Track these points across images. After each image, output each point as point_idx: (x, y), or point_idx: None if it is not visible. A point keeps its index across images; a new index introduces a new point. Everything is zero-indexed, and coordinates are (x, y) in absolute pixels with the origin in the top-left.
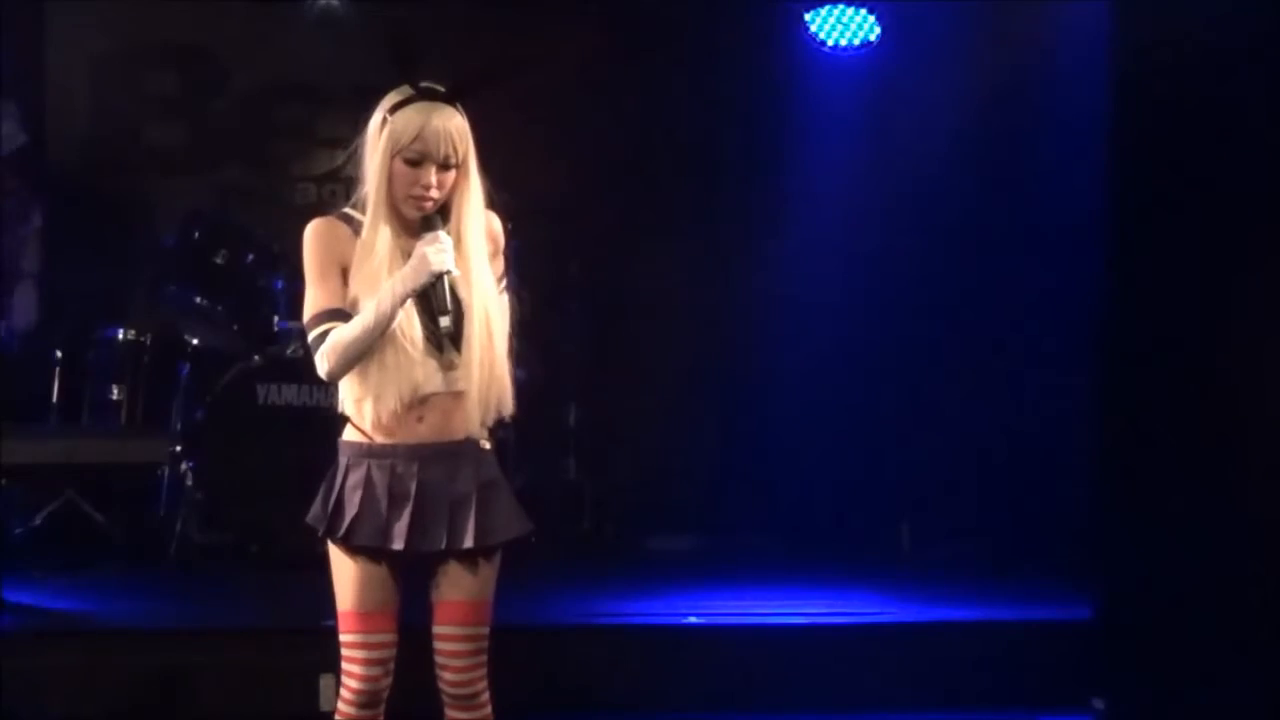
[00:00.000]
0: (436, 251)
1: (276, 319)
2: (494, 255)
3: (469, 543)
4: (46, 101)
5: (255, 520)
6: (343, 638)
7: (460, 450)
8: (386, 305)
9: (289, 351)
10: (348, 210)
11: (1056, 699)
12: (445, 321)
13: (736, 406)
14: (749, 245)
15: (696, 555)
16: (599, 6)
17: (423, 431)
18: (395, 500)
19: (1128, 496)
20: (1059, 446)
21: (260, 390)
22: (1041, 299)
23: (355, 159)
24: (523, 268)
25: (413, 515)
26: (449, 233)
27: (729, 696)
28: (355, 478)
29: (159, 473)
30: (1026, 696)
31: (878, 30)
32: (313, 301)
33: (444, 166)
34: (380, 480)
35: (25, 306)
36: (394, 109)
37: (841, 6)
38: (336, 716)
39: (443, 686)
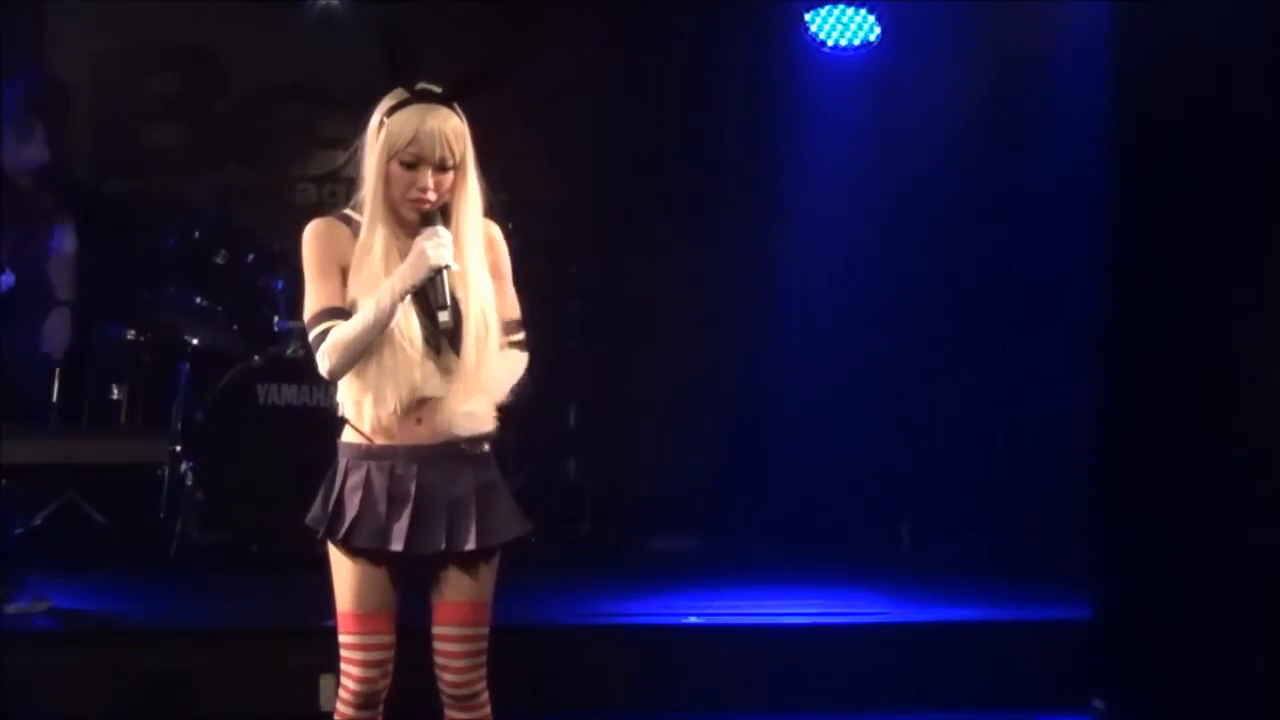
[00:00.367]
0: (435, 246)
1: (276, 319)
2: (494, 269)
3: (470, 544)
4: None
5: (255, 520)
6: (341, 638)
7: (457, 452)
8: (386, 302)
9: (289, 351)
10: (347, 211)
11: (1056, 699)
12: (444, 317)
13: (736, 407)
14: (749, 245)
15: (696, 555)
16: (599, 6)
17: (421, 433)
18: (395, 502)
19: (1128, 496)
20: (1059, 446)
21: (260, 390)
22: (1041, 299)
23: (355, 160)
24: (523, 268)
25: (412, 517)
26: (459, 235)
27: (729, 696)
28: (355, 479)
29: (159, 473)
30: (1026, 696)
31: (878, 30)
32: (313, 300)
33: (441, 168)
34: (379, 482)
35: (58, 334)
36: (390, 112)
37: (841, 6)
38: (335, 717)
39: (442, 687)
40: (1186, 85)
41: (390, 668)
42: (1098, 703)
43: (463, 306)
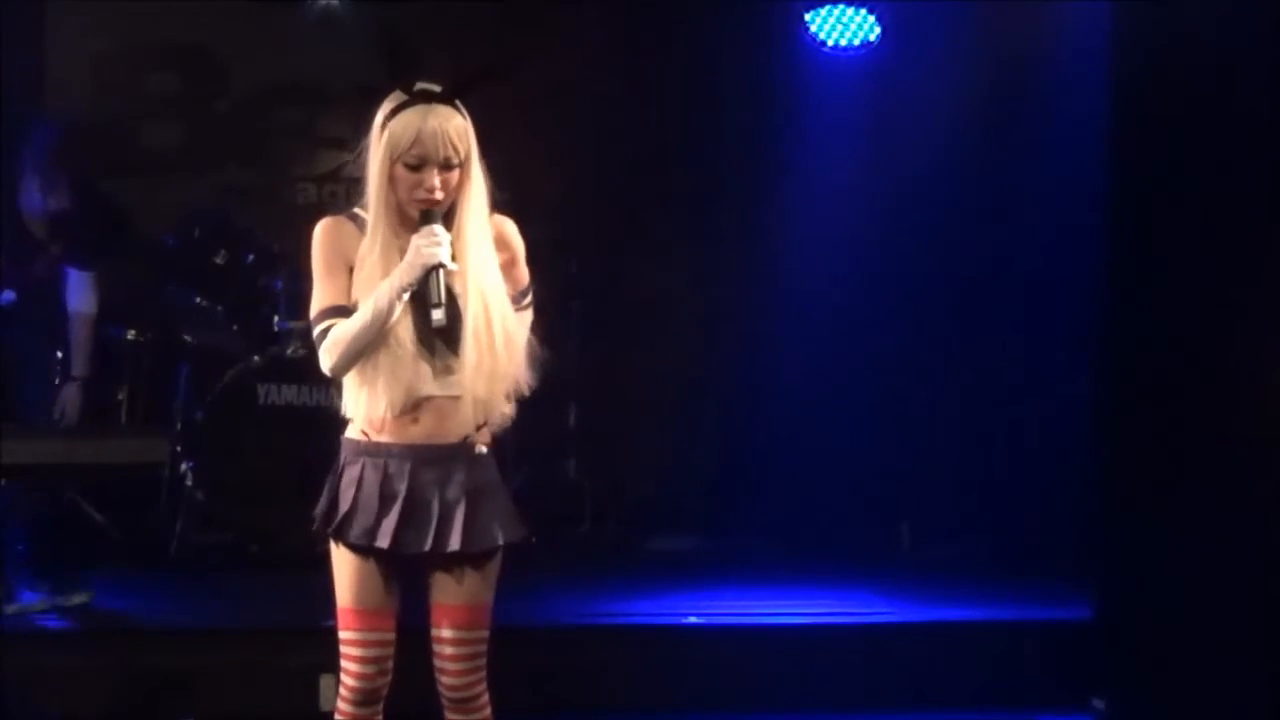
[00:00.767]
0: (429, 244)
1: (276, 319)
2: (511, 264)
3: (454, 546)
4: (46, 102)
5: (255, 520)
6: (341, 634)
7: (454, 453)
8: (384, 301)
9: (289, 351)
10: (356, 210)
11: (1056, 699)
12: (437, 315)
13: (736, 406)
14: (749, 245)
15: (696, 555)
16: (599, 6)
17: (416, 433)
18: (385, 499)
19: (1128, 496)
20: (1059, 446)
21: (260, 390)
22: (1041, 299)
23: (360, 162)
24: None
25: (401, 515)
26: (450, 232)
27: (729, 696)
28: (350, 475)
29: (159, 473)
30: (1026, 696)
31: (878, 30)
32: (318, 299)
33: (445, 167)
34: (373, 478)
35: (71, 406)
36: (391, 114)
37: (841, 6)
38: (336, 715)
39: (441, 689)
40: (1186, 85)
41: (390, 665)
42: (1098, 703)
43: (461, 304)
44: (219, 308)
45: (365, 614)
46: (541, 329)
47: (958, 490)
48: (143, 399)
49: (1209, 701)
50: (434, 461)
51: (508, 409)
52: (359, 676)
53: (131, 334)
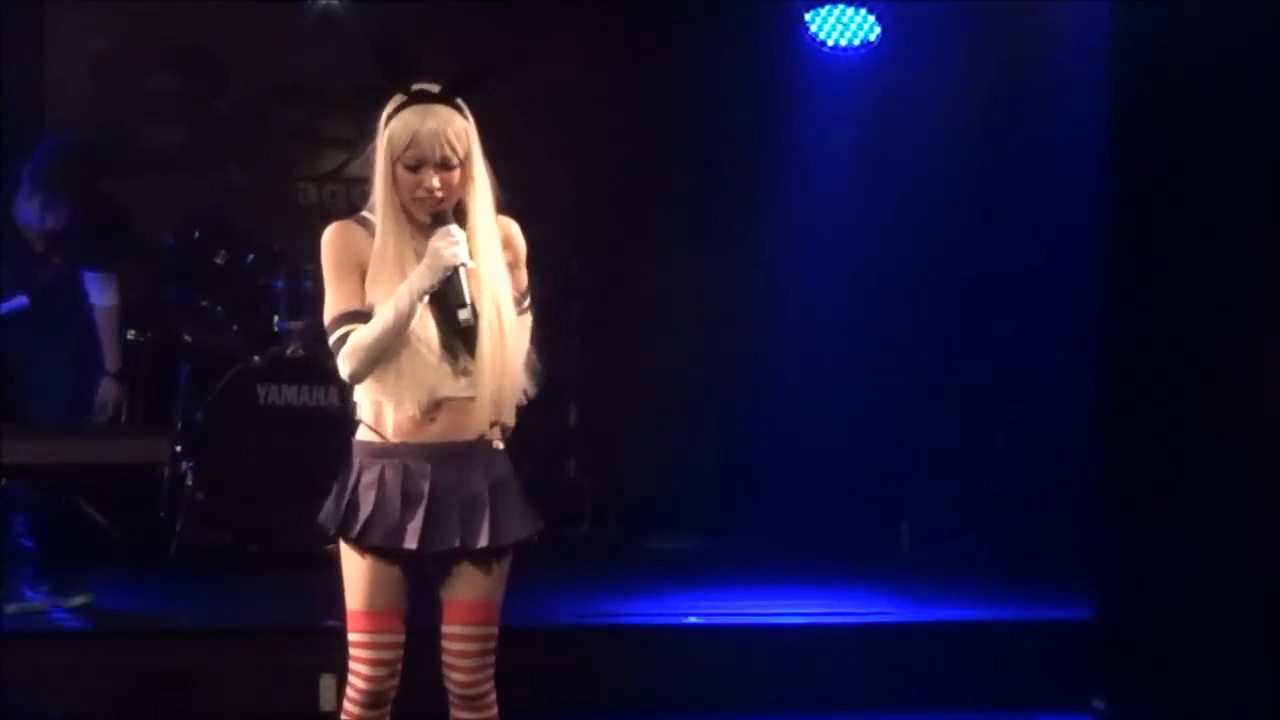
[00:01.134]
0: (448, 245)
1: (276, 319)
2: (514, 266)
3: (484, 542)
4: (46, 101)
5: (255, 520)
6: (351, 637)
7: (473, 450)
8: (405, 304)
9: (289, 351)
10: (364, 214)
11: (1056, 699)
12: (464, 314)
13: (736, 406)
14: (749, 245)
15: (696, 555)
16: (599, 6)
17: (435, 431)
18: (409, 500)
19: (1128, 496)
20: (1059, 446)
21: (260, 390)
22: (1041, 299)
23: (368, 162)
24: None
25: (426, 515)
26: (470, 234)
27: (729, 696)
28: (369, 478)
29: (159, 473)
30: (1026, 696)
31: (878, 30)
32: (332, 304)
33: (443, 167)
34: (394, 480)
35: (109, 403)
36: (391, 115)
37: (841, 6)
38: (343, 716)
39: (450, 686)
40: (1186, 85)
41: (399, 667)
42: (1098, 703)
43: (479, 305)
44: (219, 308)
45: (377, 616)
46: (541, 329)
47: (958, 490)
48: (143, 399)
49: (1209, 701)
50: (453, 459)
51: (512, 417)
52: (369, 679)
53: (131, 334)
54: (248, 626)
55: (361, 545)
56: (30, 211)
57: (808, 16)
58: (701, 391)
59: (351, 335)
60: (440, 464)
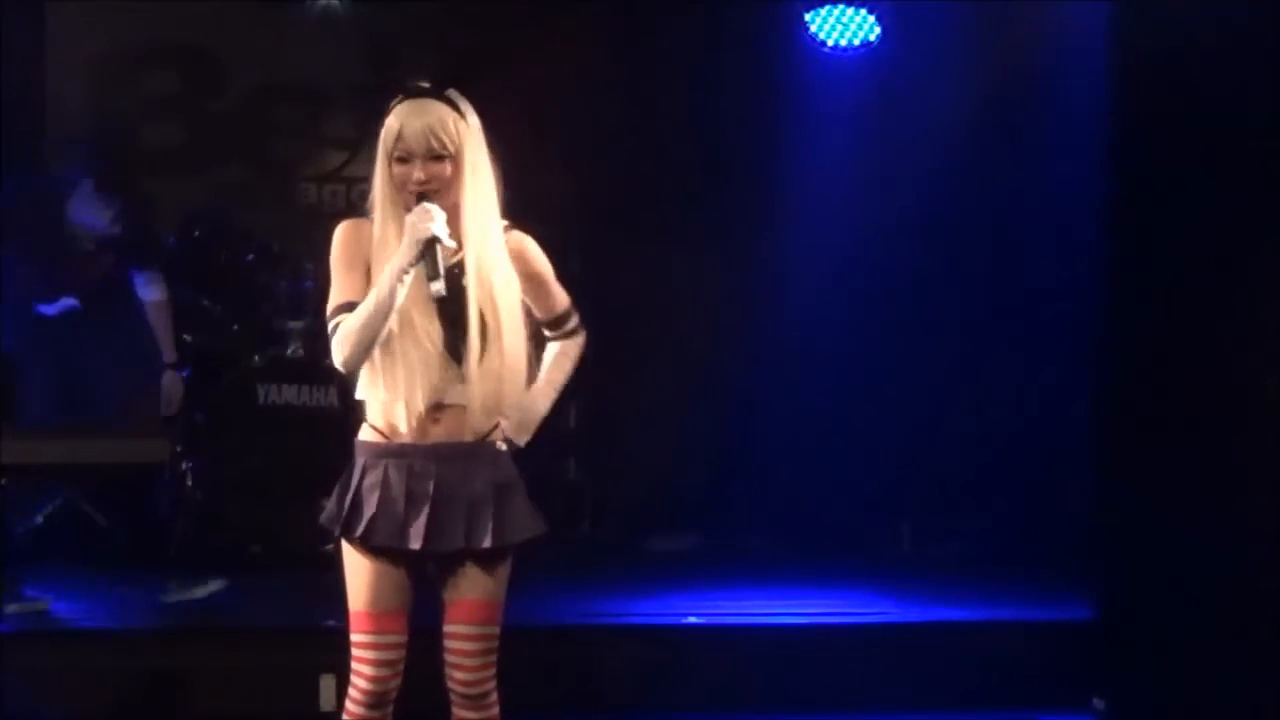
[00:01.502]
0: (423, 219)
1: (276, 319)
2: (538, 284)
3: (487, 542)
4: (46, 101)
5: (255, 520)
6: (353, 637)
7: (476, 450)
8: (385, 285)
9: (289, 351)
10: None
11: (1056, 699)
12: (436, 286)
13: (737, 407)
14: (749, 244)
15: (696, 555)
16: (599, 6)
17: (438, 432)
18: (413, 500)
19: (1128, 496)
20: (1059, 446)
21: (260, 390)
22: (1042, 298)
23: (371, 161)
24: None
25: (430, 515)
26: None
27: (729, 696)
28: (372, 478)
29: (159, 473)
30: (1026, 696)
31: (878, 30)
32: (332, 298)
33: (432, 159)
34: (397, 480)
35: (175, 395)
36: (389, 112)
37: (841, 6)
38: (345, 716)
39: (452, 686)
40: (1186, 85)
41: (401, 667)
42: (1098, 703)
43: (464, 315)
44: (219, 308)
45: (380, 617)
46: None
47: (958, 490)
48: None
49: (1209, 701)
50: (456, 460)
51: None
52: (372, 679)
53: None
54: (248, 626)
55: (365, 546)
56: (88, 212)
57: (808, 16)
58: (701, 391)
59: (341, 323)
60: (444, 464)
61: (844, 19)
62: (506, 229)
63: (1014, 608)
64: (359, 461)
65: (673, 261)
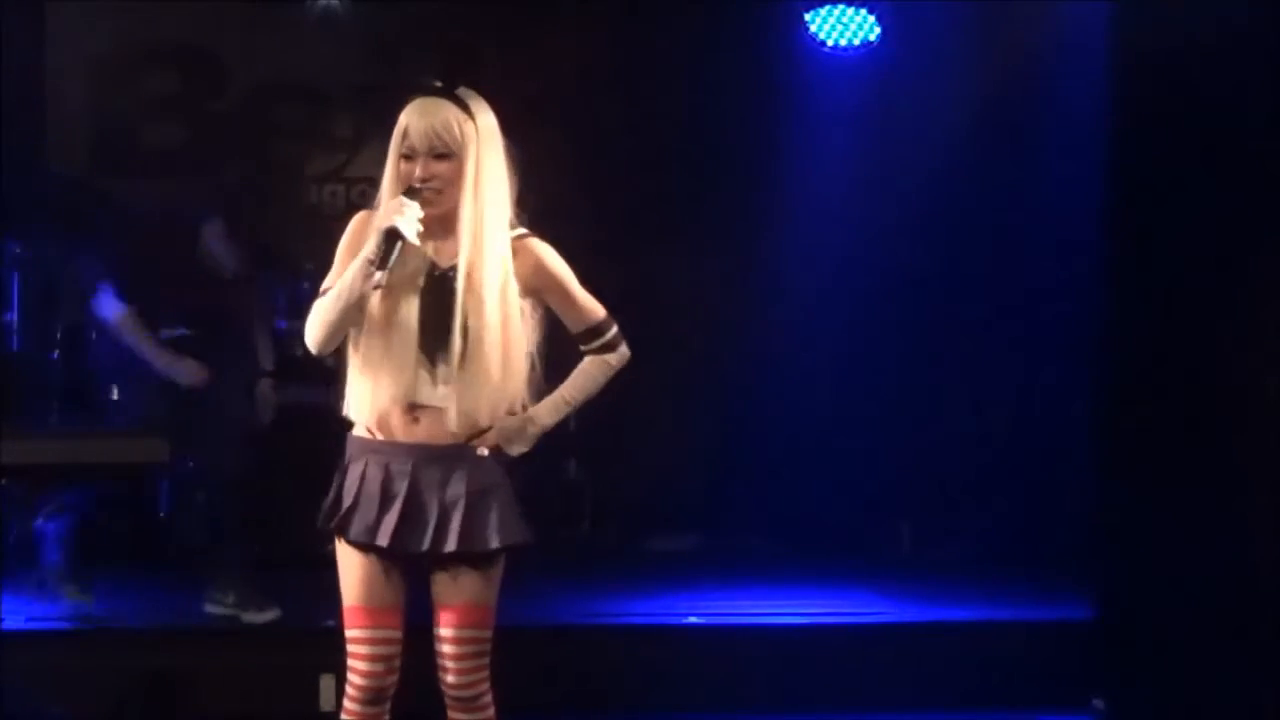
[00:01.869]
0: (393, 210)
1: (277, 319)
2: (560, 295)
3: (451, 547)
4: (46, 101)
5: (256, 520)
6: (347, 633)
7: (455, 454)
8: (349, 274)
9: (289, 351)
10: None
11: (1056, 699)
12: (378, 277)
13: (736, 406)
14: (749, 244)
15: (696, 555)
16: (599, 6)
17: (418, 433)
18: (386, 498)
19: (1128, 496)
20: (1059, 446)
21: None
22: (1042, 299)
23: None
24: None
25: (401, 514)
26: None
27: (729, 696)
28: (354, 472)
29: (159, 473)
30: (1026, 696)
31: (878, 30)
32: (324, 282)
33: (436, 157)
34: (375, 476)
35: (269, 404)
36: (403, 111)
37: (841, 6)
38: (343, 715)
39: (444, 688)
40: (1186, 85)
41: (397, 664)
42: (1098, 703)
43: (457, 313)
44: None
45: (372, 612)
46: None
47: (958, 490)
48: (143, 399)
49: (1209, 701)
50: (435, 461)
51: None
52: (367, 675)
53: None
54: (248, 626)
55: (347, 540)
56: (220, 250)
57: (808, 16)
58: (701, 391)
59: (314, 304)
60: (421, 465)
61: (844, 19)
62: (520, 237)
63: (1014, 608)
64: (346, 456)
65: (672, 261)
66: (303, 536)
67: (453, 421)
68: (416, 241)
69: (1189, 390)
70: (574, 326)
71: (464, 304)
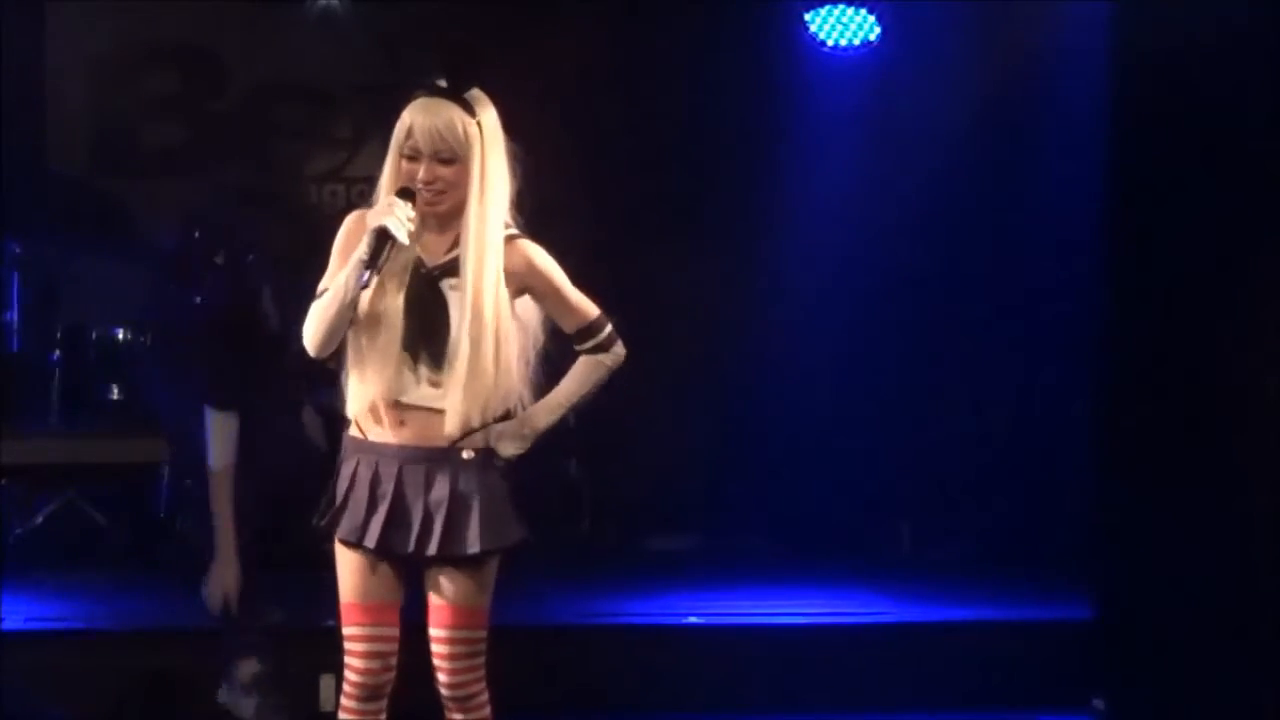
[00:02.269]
0: (384, 211)
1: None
2: (552, 297)
3: (432, 550)
4: (46, 101)
5: (256, 520)
6: (344, 630)
7: (442, 457)
8: (343, 274)
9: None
10: None
11: (1056, 699)
12: (365, 275)
13: (736, 406)
14: (749, 244)
15: (696, 555)
16: (599, 6)
17: (405, 434)
18: (374, 498)
19: (1128, 496)
20: (1059, 446)
21: None
22: (1041, 298)
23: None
24: None
25: (387, 516)
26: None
27: (729, 696)
28: (346, 471)
29: (159, 473)
30: (1026, 696)
31: (878, 30)
32: (320, 283)
33: (440, 160)
34: (364, 477)
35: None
36: (407, 107)
37: (841, 6)
38: (340, 712)
39: (439, 687)
40: (1186, 85)
41: (393, 661)
42: (1098, 703)
43: (454, 317)
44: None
45: (367, 609)
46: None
47: (958, 490)
48: (142, 399)
49: (1209, 701)
50: (420, 464)
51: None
52: (363, 672)
53: (131, 334)
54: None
55: (336, 536)
56: (274, 306)
57: (808, 16)
58: (701, 391)
59: (311, 306)
60: (408, 467)
61: (844, 19)
62: (510, 239)
63: (1014, 608)
64: (341, 455)
65: (672, 261)
66: (302, 536)
67: (449, 421)
68: (407, 241)
69: (1189, 390)
70: (567, 327)
71: (459, 304)
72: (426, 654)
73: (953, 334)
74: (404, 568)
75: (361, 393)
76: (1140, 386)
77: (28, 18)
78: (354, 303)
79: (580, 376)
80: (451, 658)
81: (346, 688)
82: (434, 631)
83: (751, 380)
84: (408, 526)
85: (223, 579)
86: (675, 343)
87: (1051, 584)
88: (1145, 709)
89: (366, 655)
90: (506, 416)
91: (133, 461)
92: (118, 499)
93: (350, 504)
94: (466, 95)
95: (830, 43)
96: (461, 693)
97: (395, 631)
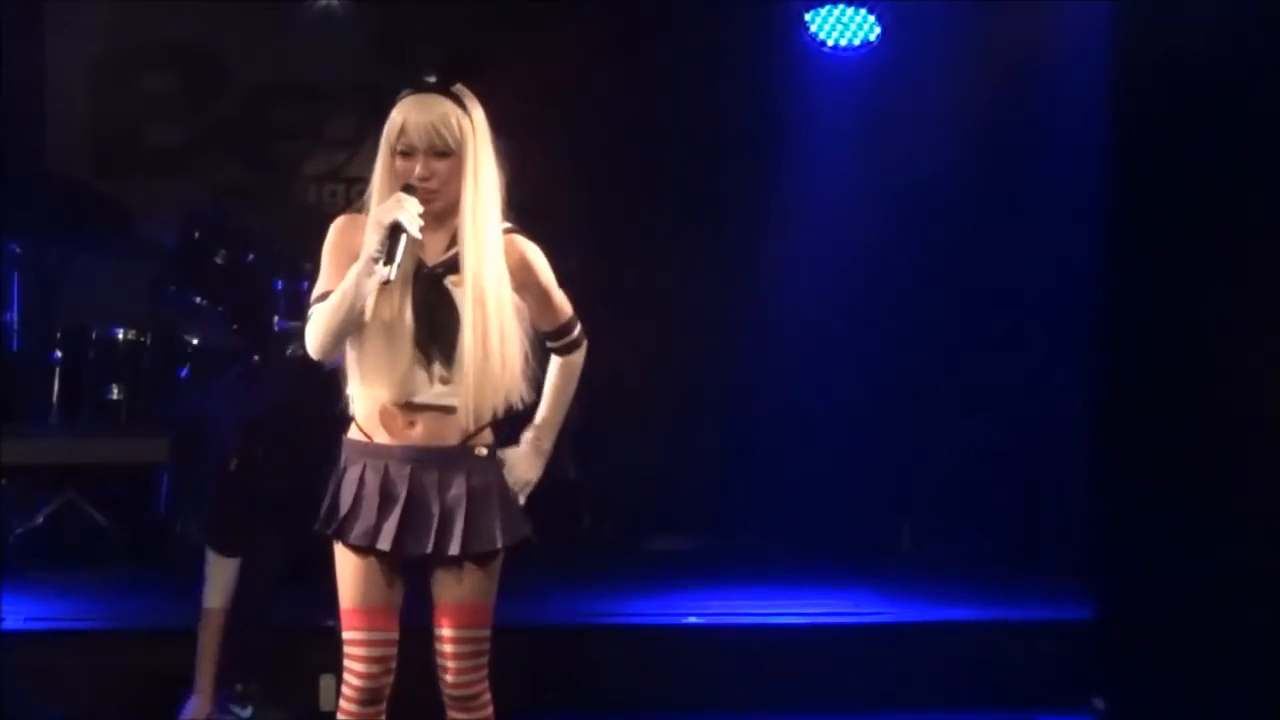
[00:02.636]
0: (393, 205)
1: (276, 319)
2: (538, 294)
3: (454, 549)
4: (46, 101)
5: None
6: (344, 634)
7: (454, 456)
8: (352, 273)
9: (289, 352)
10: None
11: (1056, 699)
12: (385, 271)
13: (737, 406)
14: (749, 244)
15: (696, 555)
16: (599, 6)
17: (415, 435)
18: (385, 501)
19: (1128, 496)
20: (1059, 446)
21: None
22: (1042, 299)
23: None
24: None
25: (401, 517)
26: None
27: (729, 696)
28: (351, 475)
29: (159, 473)
30: (1026, 696)
31: (878, 30)
32: (316, 288)
33: (435, 155)
34: (373, 480)
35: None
36: (395, 105)
37: (841, 6)
38: (339, 715)
39: (443, 687)
40: (1186, 85)
41: (393, 664)
42: (1098, 703)
43: (460, 311)
44: (219, 308)
45: (369, 613)
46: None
47: (958, 489)
48: (143, 399)
49: (1209, 701)
50: (433, 464)
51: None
52: (363, 676)
53: (131, 334)
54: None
55: (343, 542)
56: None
57: (808, 16)
58: (701, 391)
59: (315, 310)
60: (420, 468)
61: (844, 19)
62: (507, 232)
63: (1014, 608)
64: (342, 459)
65: (672, 261)
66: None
67: (462, 417)
68: (419, 236)
69: (1189, 390)
70: (545, 325)
71: (464, 299)
72: (426, 655)
73: (953, 334)
74: (404, 572)
75: (369, 396)
76: (1140, 387)
77: (28, 18)
78: (364, 305)
79: (563, 383)
80: (459, 657)
81: (347, 691)
82: (443, 631)
83: (751, 380)
84: (425, 527)
85: (199, 711)
86: (675, 342)
87: (1051, 584)
88: (1145, 709)
89: (368, 660)
90: (509, 411)
91: (133, 461)
92: (118, 499)
93: (361, 509)
94: (454, 90)
95: (830, 43)
96: (466, 692)
97: (395, 636)
